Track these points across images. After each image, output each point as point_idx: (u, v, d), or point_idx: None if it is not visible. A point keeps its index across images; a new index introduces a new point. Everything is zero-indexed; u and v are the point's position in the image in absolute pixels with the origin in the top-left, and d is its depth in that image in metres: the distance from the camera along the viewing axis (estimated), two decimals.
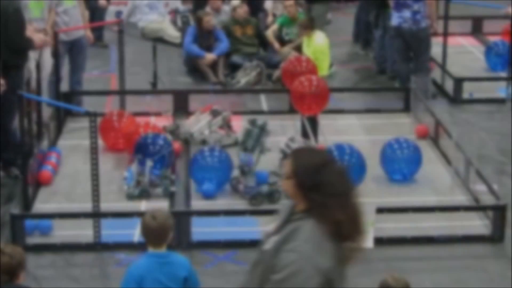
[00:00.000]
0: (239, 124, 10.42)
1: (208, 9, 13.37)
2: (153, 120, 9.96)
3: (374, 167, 8.79)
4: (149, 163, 8.45)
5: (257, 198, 8.16)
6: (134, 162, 8.65)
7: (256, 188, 8.23)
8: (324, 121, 9.65)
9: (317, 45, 11.14)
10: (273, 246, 4.07)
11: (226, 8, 13.53)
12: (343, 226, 3.97)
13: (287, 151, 8.73)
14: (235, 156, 8.66)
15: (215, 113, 9.69)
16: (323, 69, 11.19)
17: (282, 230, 4.10)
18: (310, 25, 11.34)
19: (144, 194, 8.31)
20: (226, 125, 9.67)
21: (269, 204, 8.08)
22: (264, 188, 8.21)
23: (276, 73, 11.70)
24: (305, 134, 9.41)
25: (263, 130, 8.54)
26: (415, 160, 8.79)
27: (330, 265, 3.94)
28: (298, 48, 12.06)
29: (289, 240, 4.00)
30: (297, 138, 8.88)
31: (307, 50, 11.24)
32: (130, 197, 8.30)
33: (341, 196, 4.02)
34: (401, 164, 8.72)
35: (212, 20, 12.49)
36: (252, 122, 8.59)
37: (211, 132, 9.47)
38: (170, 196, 8.35)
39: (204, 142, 9.43)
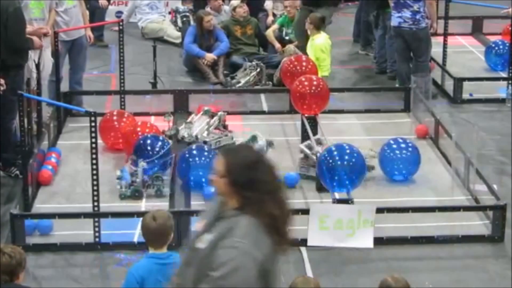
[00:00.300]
0: (239, 124, 10.44)
1: (208, 9, 13.38)
2: (153, 120, 9.95)
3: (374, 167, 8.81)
4: (142, 163, 8.44)
5: None
6: (128, 162, 8.66)
7: None
8: (324, 121, 9.65)
9: (318, 44, 11.13)
10: (208, 244, 4.10)
11: (226, 8, 13.54)
12: (278, 220, 4.12)
13: (307, 151, 8.73)
14: None
15: (210, 114, 9.66)
16: (324, 70, 11.18)
17: (214, 228, 4.14)
18: (319, 24, 11.31)
19: (136, 194, 8.30)
20: (222, 125, 9.65)
21: None
22: None
23: (277, 76, 11.69)
24: (305, 134, 9.42)
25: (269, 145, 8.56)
26: (414, 160, 8.78)
27: (267, 258, 4.07)
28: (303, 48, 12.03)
29: (226, 236, 4.05)
30: (322, 139, 8.83)
31: (310, 50, 11.24)
32: (123, 197, 8.30)
33: (275, 192, 4.15)
34: (400, 165, 8.71)
35: (212, 20, 12.50)
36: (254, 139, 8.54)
37: (209, 133, 9.44)
38: (164, 196, 8.34)
39: (205, 143, 9.42)
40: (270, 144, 8.80)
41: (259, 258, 4.03)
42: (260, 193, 4.09)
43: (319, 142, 8.79)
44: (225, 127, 9.68)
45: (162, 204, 8.13)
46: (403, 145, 8.81)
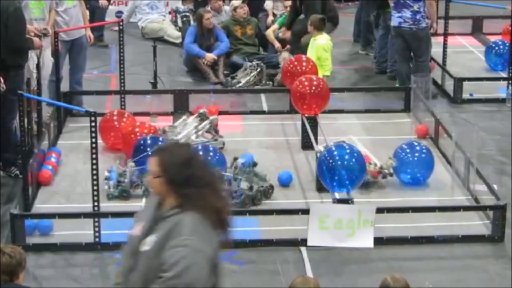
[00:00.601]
0: (239, 124, 10.45)
1: (208, 9, 13.37)
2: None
3: None
4: (130, 163, 8.43)
5: (245, 201, 8.12)
6: (116, 162, 8.65)
7: (241, 192, 8.17)
8: (324, 121, 9.65)
9: (321, 44, 11.13)
10: (153, 246, 4.07)
11: (226, 8, 13.54)
12: (222, 213, 4.15)
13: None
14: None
15: (202, 117, 9.64)
16: (326, 69, 11.17)
17: (156, 229, 4.12)
18: (319, 25, 11.32)
19: (124, 194, 8.29)
20: (213, 130, 9.61)
21: (253, 206, 8.07)
22: (247, 190, 8.17)
23: (277, 78, 11.68)
24: (305, 134, 9.42)
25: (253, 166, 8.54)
26: (428, 164, 8.70)
27: (215, 252, 4.13)
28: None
29: (172, 236, 4.04)
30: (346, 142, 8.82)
31: (311, 50, 11.24)
32: (110, 197, 8.29)
33: (214, 185, 4.19)
34: (414, 168, 8.64)
35: (212, 18, 12.48)
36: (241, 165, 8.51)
37: (198, 137, 9.40)
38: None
39: None
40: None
41: (209, 254, 4.07)
42: (199, 188, 4.10)
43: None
44: (216, 131, 9.63)
45: None
46: (417, 148, 8.76)
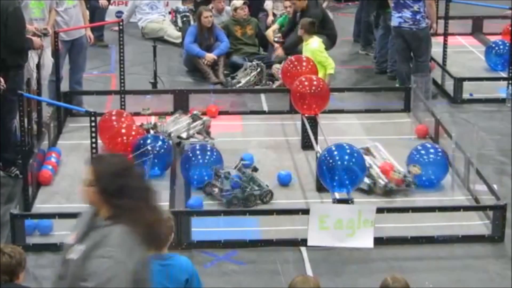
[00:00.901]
0: (239, 124, 10.45)
1: (209, 7, 13.36)
2: (153, 120, 9.94)
3: None
4: None
5: (233, 202, 8.13)
6: None
7: (231, 192, 8.18)
8: (324, 121, 9.65)
9: (315, 49, 11.14)
10: (80, 254, 4.02)
11: (228, 8, 13.54)
12: (154, 227, 4.05)
13: None
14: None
15: (195, 118, 9.64)
16: (330, 68, 11.16)
17: (86, 238, 4.05)
18: (310, 29, 11.33)
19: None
20: (205, 131, 9.60)
21: (244, 207, 8.06)
22: (239, 192, 8.17)
23: (277, 83, 11.67)
24: (305, 134, 9.42)
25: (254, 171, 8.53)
26: (443, 165, 8.65)
27: (139, 267, 4.01)
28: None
29: (99, 246, 3.96)
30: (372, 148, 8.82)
31: (306, 54, 11.23)
32: None
33: (147, 199, 4.06)
34: (429, 170, 8.58)
35: (211, 17, 12.45)
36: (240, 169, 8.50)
37: (189, 137, 9.40)
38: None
39: (179, 144, 9.39)
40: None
41: (133, 268, 3.97)
42: (131, 200, 4.00)
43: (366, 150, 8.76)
44: (208, 133, 9.62)
45: (162, 204, 8.11)
46: (431, 150, 8.72)
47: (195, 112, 9.77)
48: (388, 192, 8.35)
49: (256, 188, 8.21)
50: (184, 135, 9.36)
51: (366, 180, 8.36)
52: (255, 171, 8.48)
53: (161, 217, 4.17)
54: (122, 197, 3.99)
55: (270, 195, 8.25)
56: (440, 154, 8.67)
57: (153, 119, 9.74)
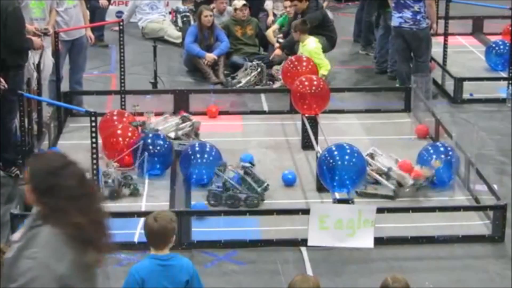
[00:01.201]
0: (239, 124, 10.45)
1: (210, 7, 13.36)
2: (153, 120, 9.95)
3: None
4: (113, 164, 8.42)
5: (216, 199, 8.13)
6: (110, 162, 8.67)
7: (218, 190, 8.17)
8: (324, 121, 9.66)
9: (313, 49, 11.13)
10: (13, 254, 3.94)
11: (229, 8, 13.55)
12: (84, 230, 3.88)
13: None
14: None
15: (185, 119, 9.63)
16: (323, 69, 11.18)
17: (23, 238, 3.97)
18: (302, 28, 11.32)
19: (115, 194, 8.26)
20: (194, 133, 9.58)
21: (230, 207, 8.06)
22: (224, 192, 8.17)
23: (277, 84, 11.67)
24: (305, 134, 9.42)
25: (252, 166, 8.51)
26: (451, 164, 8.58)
27: (69, 272, 3.84)
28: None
29: (27, 247, 3.87)
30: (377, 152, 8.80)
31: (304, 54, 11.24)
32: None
33: (80, 199, 3.90)
34: (439, 169, 8.48)
35: (211, 17, 12.44)
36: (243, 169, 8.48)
37: (177, 137, 9.38)
38: (140, 195, 8.34)
39: None
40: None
41: (59, 271, 3.80)
42: (60, 200, 3.85)
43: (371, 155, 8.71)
44: (197, 135, 9.60)
45: (162, 204, 8.13)
46: (441, 149, 8.65)
47: (184, 114, 9.77)
48: (417, 190, 8.30)
49: (245, 190, 8.19)
50: (172, 134, 9.34)
51: (388, 184, 8.32)
52: (247, 174, 8.37)
53: (96, 219, 3.97)
54: (52, 197, 3.87)
55: (257, 201, 8.14)
56: (450, 153, 8.56)
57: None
